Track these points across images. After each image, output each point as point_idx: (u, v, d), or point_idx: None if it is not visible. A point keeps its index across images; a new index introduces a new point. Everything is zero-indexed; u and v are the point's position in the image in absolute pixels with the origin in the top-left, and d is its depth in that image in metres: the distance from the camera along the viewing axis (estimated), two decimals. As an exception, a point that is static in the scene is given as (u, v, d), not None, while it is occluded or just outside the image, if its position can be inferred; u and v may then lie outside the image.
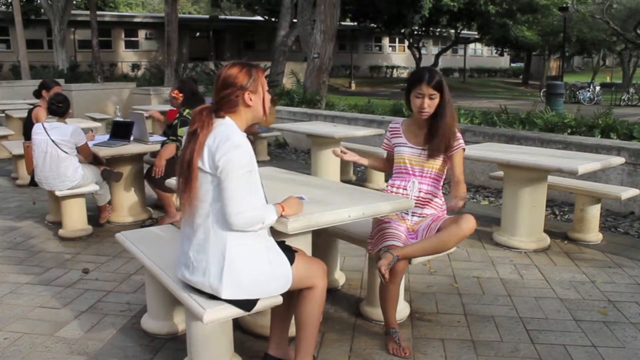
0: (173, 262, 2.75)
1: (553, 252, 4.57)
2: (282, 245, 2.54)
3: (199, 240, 2.39)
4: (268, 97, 2.52)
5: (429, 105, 3.08)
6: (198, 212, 2.38)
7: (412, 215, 3.19)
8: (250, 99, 2.42)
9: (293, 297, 2.58)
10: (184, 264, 2.48)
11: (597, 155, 4.93)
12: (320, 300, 2.57)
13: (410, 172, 3.20)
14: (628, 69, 38.77)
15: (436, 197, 3.22)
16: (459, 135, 3.19)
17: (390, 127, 3.39)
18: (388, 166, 3.44)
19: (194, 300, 2.41)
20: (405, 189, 3.19)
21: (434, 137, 3.12)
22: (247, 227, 2.31)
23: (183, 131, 5.05)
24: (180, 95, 5.27)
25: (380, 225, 3.13)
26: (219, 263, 2.34)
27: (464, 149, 3.19)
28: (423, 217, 3.17)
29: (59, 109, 4.91)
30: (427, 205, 3.19)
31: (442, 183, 3.25)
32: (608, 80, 36.37)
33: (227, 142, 2.29)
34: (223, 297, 2.34)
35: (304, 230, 2.60)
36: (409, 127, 3.30)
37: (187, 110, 5.17)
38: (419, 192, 3.18)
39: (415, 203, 3.13)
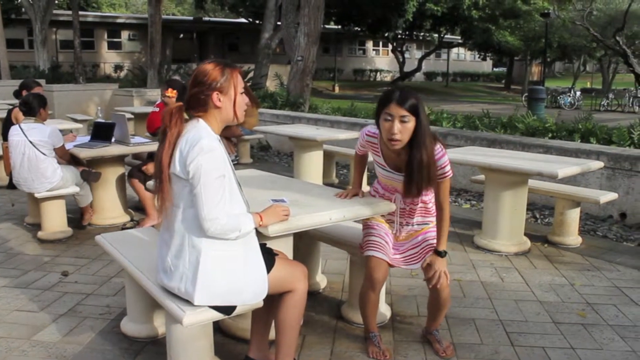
0: (153, 264, 2.73)
1: (533, 255, 4.61)
2: (263, 249, 2.53)
3: (175, 245, 2.37)
4: (242, 99, 2.43)
5: (400, 130, 2.60)
6: (174, 217, 2.37)
7: (401, 225, 2.96)
8: (219, 100, 2.35)
9: (274, 300, 2.57)
10: (162, 269, 2.46)
11: (577, 160, 4.99)
12: (301, 303, 2.56)
13: (394, 189, 2.91)
14: (607, 75, 39.34)
15: (426, 203, 2.92)
16: (442, 161, 2.73)
17: (367, 139, 2.92)
18: (362, 163, 3.18)
19: (174, 303, 2.39)
20: (390, 200, 2.95)
21: (411, 177, 2.69)
22: (223, 234, 2.28)
23: None
24: (175, 92, 5.19)
25: (367, 229, 2.98)
26: (194, 269, 2.32)
27: (449, 178, 2.80)
28: (410, 225, 2.94)
29: (29, 109, 4.85)
30: (415, 214, 2.93)
31: (431, 194, 2.91)
32: (588, 85, 36.89)
33: (196, 147, 2.23)
34: (195, 303, 2.32)
35: (284, 233, 2.59)
36: (386, 149, 2.83)
37: None
38: (404, 204, 2.91)
39: (401, 215, 2.91)
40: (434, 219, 2.91)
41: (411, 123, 2.60)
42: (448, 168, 2.75)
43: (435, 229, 2.90)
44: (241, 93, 2.42)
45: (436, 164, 2.70)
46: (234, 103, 2.39)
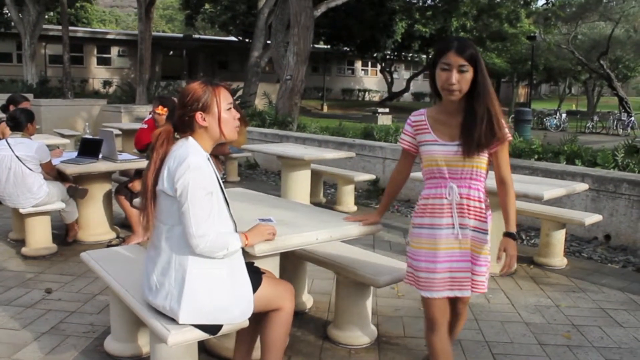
0: (138, 282, 2.71)
1: (519, 276, 4.62)
2: (250, 267, 2.52)
3: (162, 263, 2.37)
4: (229, 116, 2.40)
5: (458, 80, 2.37)
6: (161, 234, 2.36)
7: (461, 228, 2.50)
8: (204, 119, 2.35)
9: (260, 320, 2.56)
10: (147, 287, 2.44)
11: (562, 182, 5.03)
12: (287, 323, 2.55)
13: (447, 175, 2.49)
14: (592, 97, 39.91)
15: (481, 201, 2.52)
16: (502, 122, 2.47)
17: (413, 121, 2.61)
18: (407, 169, 2.78)
19: (159, 322, 2.37)
20: (443, 198, 2.50)
21: (470, 127, 2.40)
22: (210, 252, 2.28)
23: None
24: (166, 110, 5.18)
25: (412, 258, 2.57)
26: (179, 287, 2.31)
27: (510, 141, 2.53)
28: (467, 229, 2.51)
29: (17, 124, 4.83)
30: (471, 213, 2.51)
31: (484, 183, 2.54)
32: (574, 107, 37.32)
33: (183, 164, 2.24)
34: (180, 321, 2.31)
35: (271, 252, 2.59)
36: (437, 117, 2.55)
37: None
38: (460, 197, 2.49)
39: (459, 211, 2.49)
40: (485, 218, 2.53)
41: (469, 74, 2.37)
42: (507, 130, 2.48)
43: (486, 263, 2.53)
44: (227, 109, 2.39)
45: (498, 123, 2.42)
46: (218, 120, 2.37)
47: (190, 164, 2.24)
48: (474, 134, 2.40)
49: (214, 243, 2.26)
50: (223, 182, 2.51)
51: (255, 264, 2.62)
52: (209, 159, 2.36)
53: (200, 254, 2.28)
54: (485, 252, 2.52)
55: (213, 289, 2.33)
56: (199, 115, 2.34)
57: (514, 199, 2.58)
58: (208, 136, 2.39)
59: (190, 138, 2.37)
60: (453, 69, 2.36)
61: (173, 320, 2.35)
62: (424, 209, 2.56)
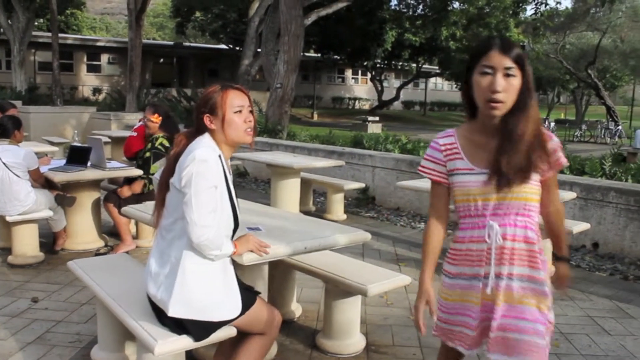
0: (126, 291, 2.70)
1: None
2: (246, 286, 2.53)
3: (161, 253, 2.40)
4: (234, 118, 2.36)
5: (505, 88, 1.84)
6: (165, 226, 2.40)
7: (497, 278, 1.96)
8: (211, 122, 2.38)
9: (239, 339, 2.52)
10: (147, 272, 2.45)
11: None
12: (265, 349, 2.54)
13: (487, 212, 1.95)
14: (580, 107, 40.27)
15: (530, 242, 1.97)
16: (554, 142, 1.96)
17: (442, 144, 2.03)
18: (444, 209, 2.11)
19: (146, 331, 2.36)
20: (483, 242, 1.96)
21: (510, 149, 1.87)
22: (206, 247, 2.28)
23: (156, 167, 4.99)
24: (159, 118, 5.17)
25: (441, 306, 2.14)
26: (172, 278, 2.32)
27: (561, 166, 2.00)
28: (509, 279, 1.95)
29: (4, 130, 4.81)
30: (515, 258, 1.95)
31: (537, 217, 2.02)
32: (562, 116, 37.63)
33: (190, 156, 2.28)
34: (170, 314, 2.30)
35: (259, 261, 2.58)
36: (470, 139, 1.99)
37: (159, 140, 5.09)
38: (503, 239, 1.93)
39: (498, 258, 1.94)
40: (541, 263, 1.98)
41: (517, 79, 1.86)
42: (560, 152, 1.97)
43: (545, 321, 1.96)
44: (236, 112, 2.37)
45: (546, 146, 1.92)
46: (222, 122, 2.37)
47: (197, 156, 2.26)
48: (514, 161, 1.86)
49: (214, 237, 2.27)
50: None
51: (244, 276, 2.61)
52: (220, 156, 2.37)
53: (197, 246, 2.27)
54: (544, 307, 1.95)
55: (205, 285, 2.33)
56: (206, 118, 2.38)
57: (564, 223, 2.22)
58: (220, 138, 2.41)
59: (206, 134, 2.40)
60: (498, 72, 1.84)
61: (160, 331, 2.34)
62: (459, 256, 2.04)
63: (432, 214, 2.11)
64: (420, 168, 2.10)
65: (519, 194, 1.91)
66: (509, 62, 1.84)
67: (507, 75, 1.85)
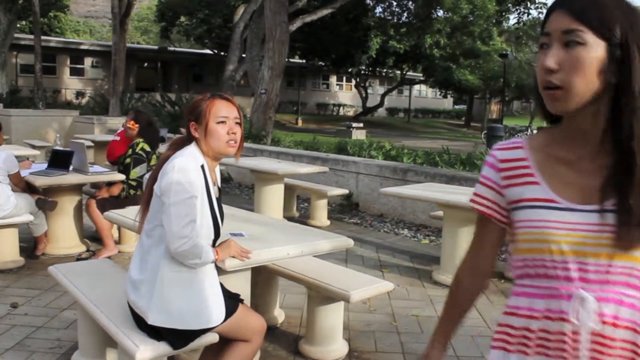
0: (107, 297, 2.68)
1: (490, 290, 4.67)
2: (229, 293, 2.52)
3: (141, 261, 2.39)
4: (216, 129, 2.34)
5: (561, 63, 1.11)
6: (145, 231, 2.40)
7: None
8: (196, 130, 2.39)
9: (223, 346, 2.50)
10: (129, 282, 2.44)
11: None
12: (250, 356, 2.52)
13: (576, 275, 1.15)
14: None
15: None
16: None
17: (501, 159, 1.29)
18: (489, 258, 1.39)
19: (127, 337, 2.34)
20: (564, 322, 1.16)
21: (625, 186, 1.12)
22: (185, 257, 2.27)
23: (136, 173, 4.99)
24: (136, 125, 5.17)
25: None
26: (151, 286, 2.31)
27: None
28: None
29: None
30: (620, 355, 1.15)
31: None
32: (545, 124, 37.93)
33: (169, 164, 2.28)
34: (149, 322, 2.29)
35: (242, 267, 2.58)
36: (551, 153, 1.25)
37: (140, 145, 5.07)
38: (602, 322, 1.14)
39: (594, 351, 1.14)
40: None
41: (590, 50, 1.09)
42: None
43: None
44: (219, 122, 2.35)
45: None
46: (204, 132, 2.36)
47: (176, 164, 2.26)
48: (633, 212, 1.11)
49: (193, 247, 2.26)
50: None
51: (227, 280, 2.61)
52: (203, 166, 2.36)
53: (176, 255, 2.27)
54: None
55: (184, 293, 2.32)
56: (192, 126, 2.39)
57: None
58: (206, 147, 2.39)
59: (193, 143, 2.41)
60: (553, 40, 1.13)
61: (142, 337, 2.33)
62: (515, 338, 1.26)
63: (467, 262, 1.42)
64: (471, 198, 1.36)
65: (633, 250, 1.13)
66: (570, 23, 1.11)
67: (568, 44, 1.11)
